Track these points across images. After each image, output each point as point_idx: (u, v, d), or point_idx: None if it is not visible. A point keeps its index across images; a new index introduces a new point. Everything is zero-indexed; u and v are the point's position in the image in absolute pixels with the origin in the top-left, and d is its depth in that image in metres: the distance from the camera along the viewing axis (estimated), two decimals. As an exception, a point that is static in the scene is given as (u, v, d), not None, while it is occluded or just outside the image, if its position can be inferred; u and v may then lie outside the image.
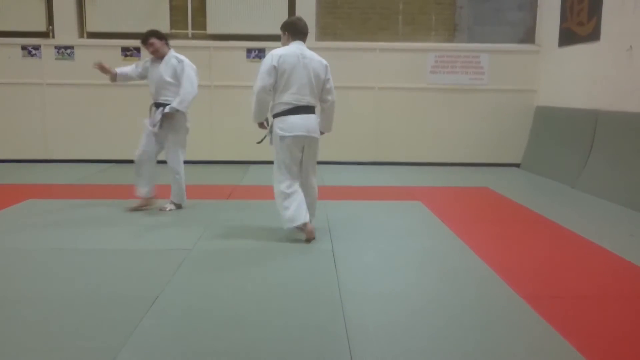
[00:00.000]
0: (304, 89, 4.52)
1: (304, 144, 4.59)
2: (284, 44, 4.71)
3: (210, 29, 9.10)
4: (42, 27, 9.01)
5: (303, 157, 4.64)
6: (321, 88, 4.62)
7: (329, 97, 4.68)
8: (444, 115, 9.19)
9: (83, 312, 3.20)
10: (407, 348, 2.83)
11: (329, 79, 4.64)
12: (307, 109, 4.57)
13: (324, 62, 4.63)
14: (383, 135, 9.20)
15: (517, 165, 9.12)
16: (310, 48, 4.61)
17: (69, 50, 8.95)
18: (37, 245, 4.53)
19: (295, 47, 4.58)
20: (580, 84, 7.74)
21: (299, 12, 8.95)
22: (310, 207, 4.71)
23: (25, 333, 2.94)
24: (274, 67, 4.46)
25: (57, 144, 9.10)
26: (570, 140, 7.74)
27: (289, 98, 4.52)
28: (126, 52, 8.95)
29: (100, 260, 4.14)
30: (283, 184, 4.58)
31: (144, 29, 8.91)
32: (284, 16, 8.99)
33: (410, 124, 9.19)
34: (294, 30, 4.68)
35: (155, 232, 4.92)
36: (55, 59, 8.96)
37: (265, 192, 6.80)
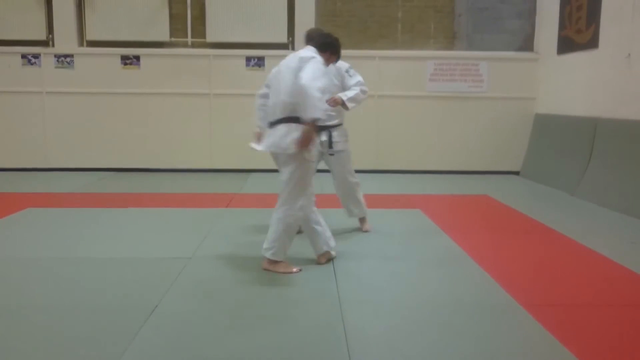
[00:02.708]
0: None
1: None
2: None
3: (210, 38, 9.12)
4: (41, 35, 9.03)
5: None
6: None
7: None
8: (443, 123, 9.21)
9: (82, 321, 3.19)
10: (407, 355, 2.82)
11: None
12: None
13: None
14: (382, 143, 9.21)
15: (517, 173, 9.12)
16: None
17: (68, 59, 8.96)
18: (37, 254, 4.52)
19: None
20: (579, 92, 7.75)
21: (298, 21, 8.99)
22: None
23: (25, 341, 2.93)
24: None
25: (57, 152, 9.09)
26: (569, 148, 7.74)
27: None
28: (126, 60, 8.97)
29: (100, 269, 4.12)
30: None
31: (143, 37, 9.06)
32: (283, 25, 9.05)
33: (409, 131, 9.20)
34: None
35: (155, 241, 4.91)
36: (55, 67, 8.98)
37: (265, 201, 6.81)
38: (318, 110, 3.72)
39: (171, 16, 9.18)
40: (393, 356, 2.81)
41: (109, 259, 4.37)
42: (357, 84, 4.89)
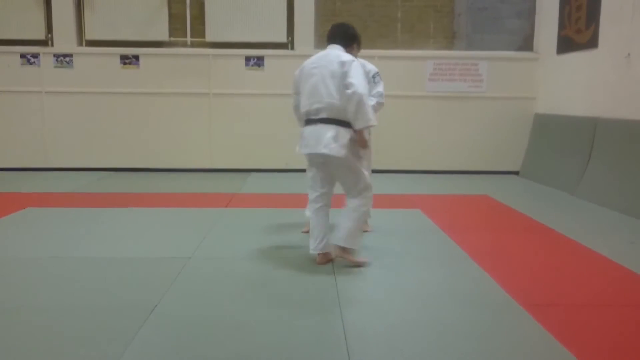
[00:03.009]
0: None
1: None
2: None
3: (209, 37, 9.12)
4: (41, 35, 9.02)
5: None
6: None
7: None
8: (442, 122, 9.21)
9: (82, 321, 3.19)
10: (406, 355, 2.82)
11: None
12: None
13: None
14: (382, 143, 9.16)
15: (516, 173, 9.12)
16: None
17: (67, 59, 8.96)
18: (36, 253, 4.52)
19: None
20: (579, 91, 7.75)
21: (297, 20, 8.99)
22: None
23: (25, 341, 2.93)
24: None
25: (56, 152, 9.09)
26: (569, 148, 7.74)
27: None
28: (125, 60, 8.96)
29: (99, 269, 4.12)
30: None
31: (143, 37, 9.05)
32: (282, 24, 9.04)
33: (409, 131, 9.20)
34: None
35: (154, 241, 4.91)
36: (54, 67, 8.97)
37: (265, 200, 6.82)
38: (371, 120, 3.94)
39: (170, 16, 9.18)
40: (393, 356, 2.81)
41: (108, 259, 4.37)
42: (375, 94, 4.88)
